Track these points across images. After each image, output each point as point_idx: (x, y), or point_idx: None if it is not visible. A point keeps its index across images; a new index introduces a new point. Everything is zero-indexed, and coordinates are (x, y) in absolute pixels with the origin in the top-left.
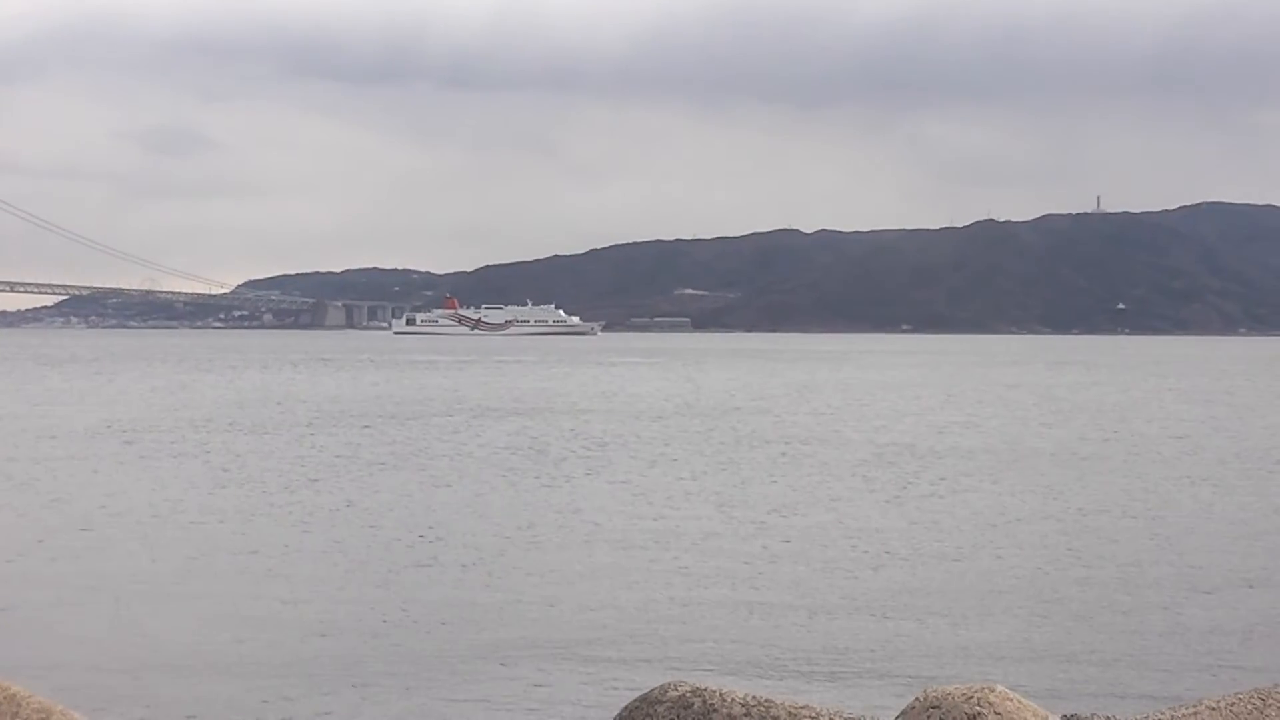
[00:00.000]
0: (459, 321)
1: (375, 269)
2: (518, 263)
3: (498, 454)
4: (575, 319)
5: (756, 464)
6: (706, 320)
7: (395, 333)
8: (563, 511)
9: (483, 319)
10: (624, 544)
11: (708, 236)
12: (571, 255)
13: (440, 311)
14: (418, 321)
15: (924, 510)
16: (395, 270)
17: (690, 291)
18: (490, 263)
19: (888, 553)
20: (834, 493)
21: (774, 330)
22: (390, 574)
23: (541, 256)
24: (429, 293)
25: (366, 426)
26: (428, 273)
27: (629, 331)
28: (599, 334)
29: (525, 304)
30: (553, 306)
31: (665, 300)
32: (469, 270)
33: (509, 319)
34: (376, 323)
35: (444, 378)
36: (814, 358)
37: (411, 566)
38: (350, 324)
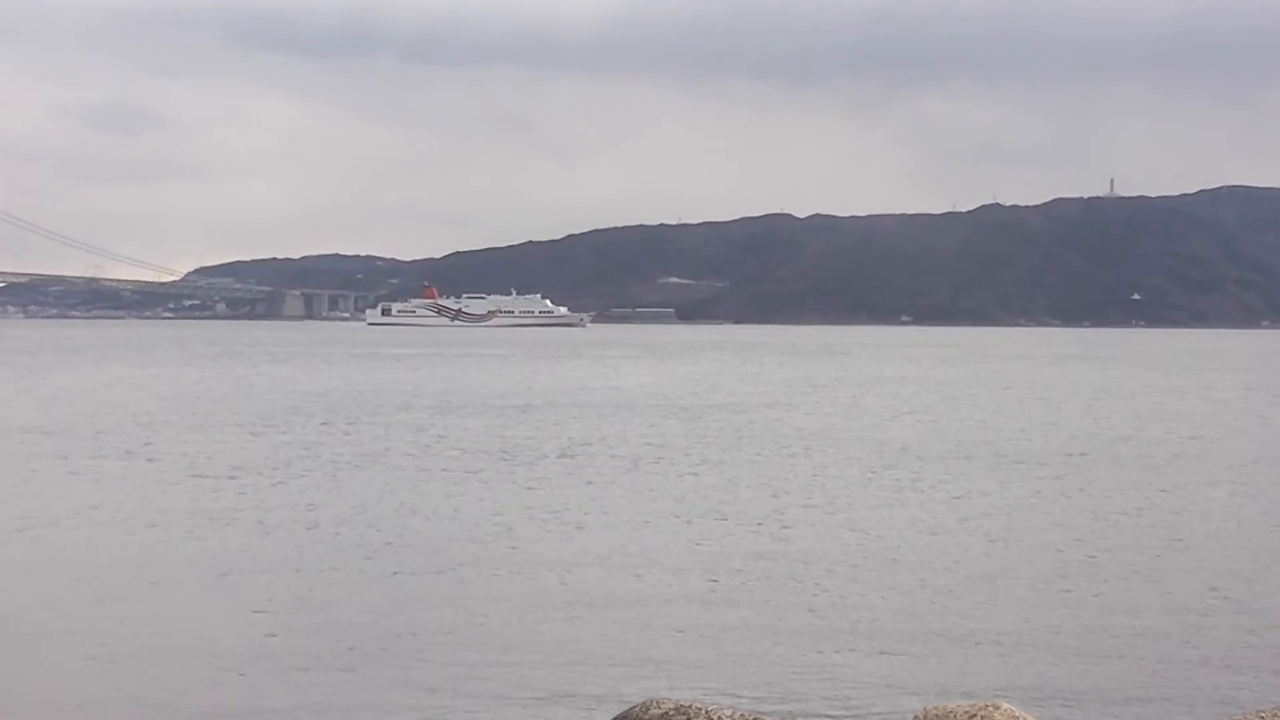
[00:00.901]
0: (438, 312)
1: (336, 255)
2: (490, 249)
3: (468, 454)
4: (563, 310)
5: (746, 465)
6: (692, 311)
7: (369, 324)
8: (539, 517)
9: (464, 309)
10: (604, 554)
11: (694, 221)
12: (548, 241)
13: (418, 301)
14: (394, 312)
15: (926, 516)
16: (358, 257)
17: (675, 280)
18: (461, 249)
19: (892, 560)
20: (830, 496)
21: (764, 322)
22: (350, 588)
23: (516, 242)
24: (394, 280)
25: (324, 423)
26: (393, 259)
27: (608, 323)
28: (588, 326)
29: (510, 293)
30: (539, 296)
31: (648, 289)
32: (437, 257)
33: (492, 309)
34: (338, 313)
35: (412, 372)
36: (806, 351)
37: (374, 578)
38: (309, 314)
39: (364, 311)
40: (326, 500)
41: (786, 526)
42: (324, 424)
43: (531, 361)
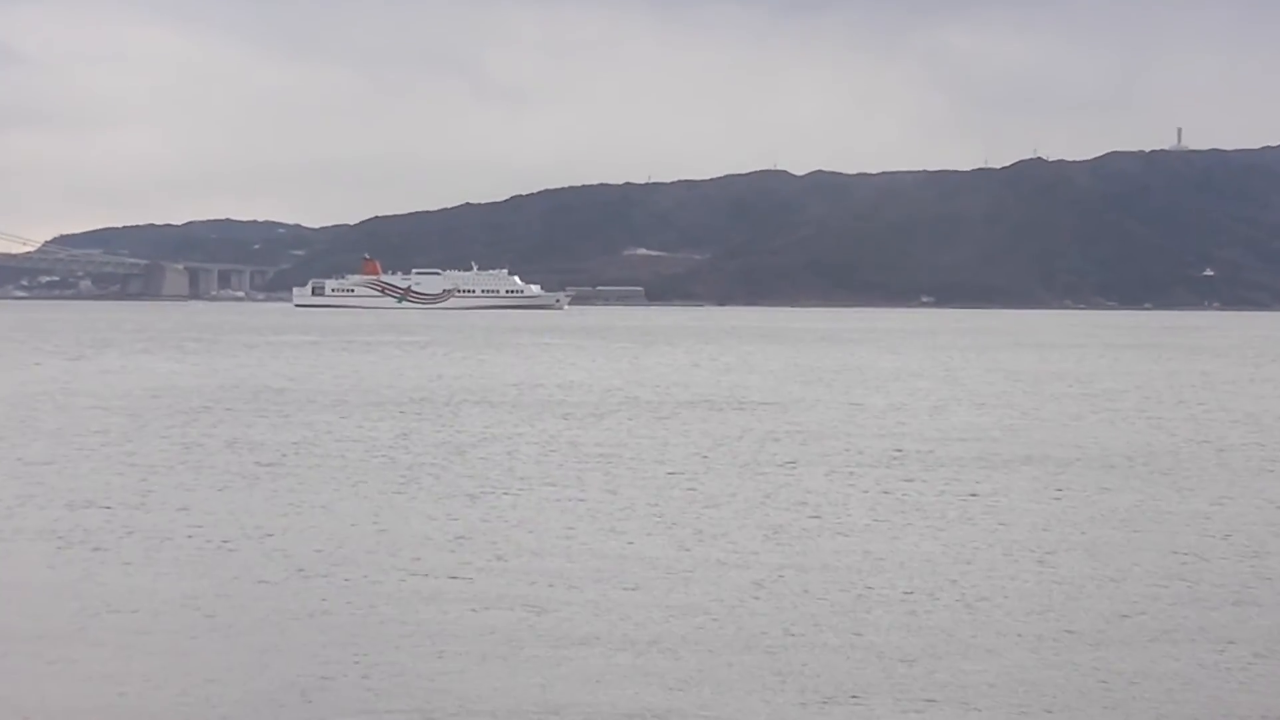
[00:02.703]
0: (382, 291)
1: (229, 221)
2: (417, 213)
3: (390, 458)
4: (535, 288)
5: (729, 476)
6: (665, 289)
7: (297, 305)
8: (473, 535)
9: (414, 288)
10: (554, 580)
11: (667, 180)
12: (488, 204)
13: (358, 278)
14: (328, 291)
15: (948, 539)
16: (255, 223)
17: (644, 252)
18: (381, 213)
19: (907, 593)
20: (829, 515)
21: (754, 303)
22: (236, 632)
23: (449, 205)
24: (299, 252)
25: (217, 424)
26: (297, 226)
27: None
28: (566, 308)
29: (471, 268)
30: (505, 272)
31: (611, 263)
32: (353, 223)
33: (449, 288)
34: (230, 291)
35: (326, 359)
36: (804, 340)
37: (265, 618)
38: (195, 293)
39: (257, 290)
40: (214, 520)
41: (786, 553)
42: (213, 425)
43: (456, 350)
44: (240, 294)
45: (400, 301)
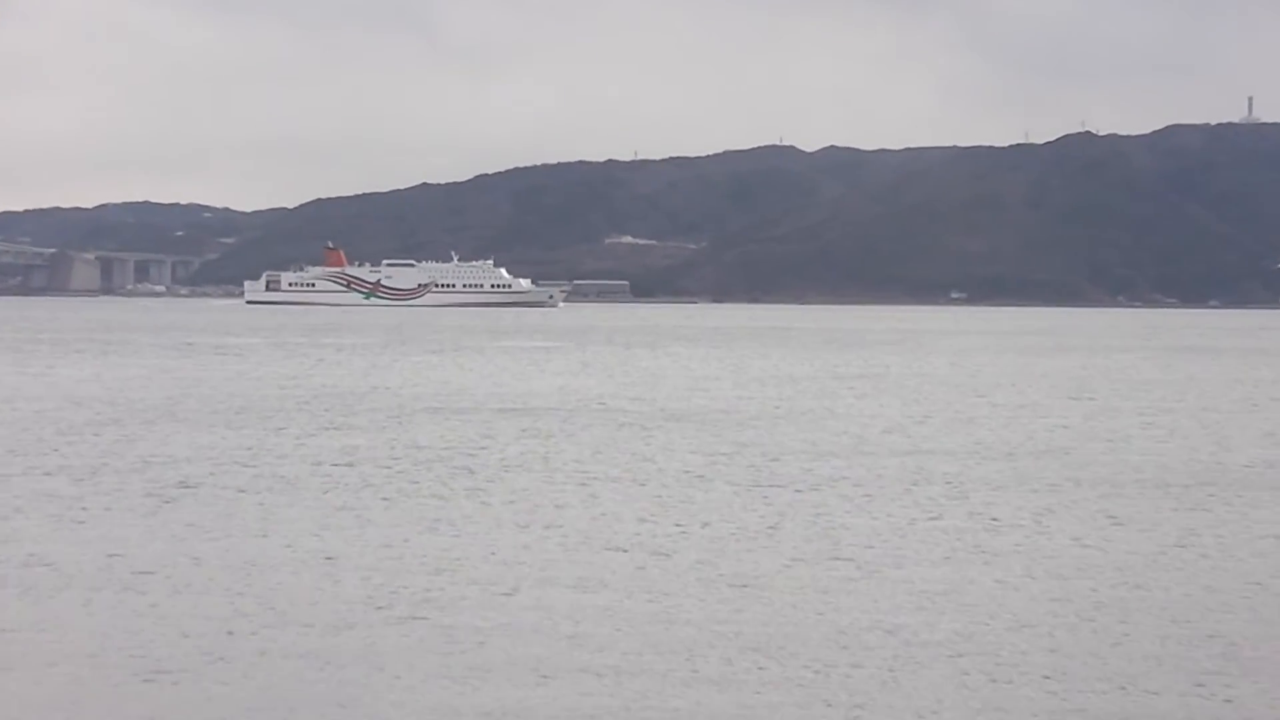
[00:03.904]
0: (348, 285)
1: (147, 204)
2: (366, 195)
3: (334, 475)
4: (525, 282)
5: (722, 496)
6: (653, 284)
7: (249, 301)
8: (430, 568)
9: (385, 282)
10: (515, 618)
11: (656, 157)
12: (447, 184)
13: (320, 270)
14: (284, 285)
15: (991, 578)
16: (177, 206)
17: (628, 240)
18: (324, 195)
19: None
20: (849, 548)
21: (756, 300)
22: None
23: (403, 186)
24: (229, 240)
25: (117, 438)
26: (227, 209)
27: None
28: (561, 305)
29: (451, 259)
30: (490, 263)
31: (590, 253)
32: (290, 206)
33: (425, 281)
34: (149, 284)
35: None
36: (815, 342)
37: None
38: (109, 286)
39: (180, 284)
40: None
41: (793, 589)
42: (119, 439)
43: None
44: (160, 288)
45: (368, 297)
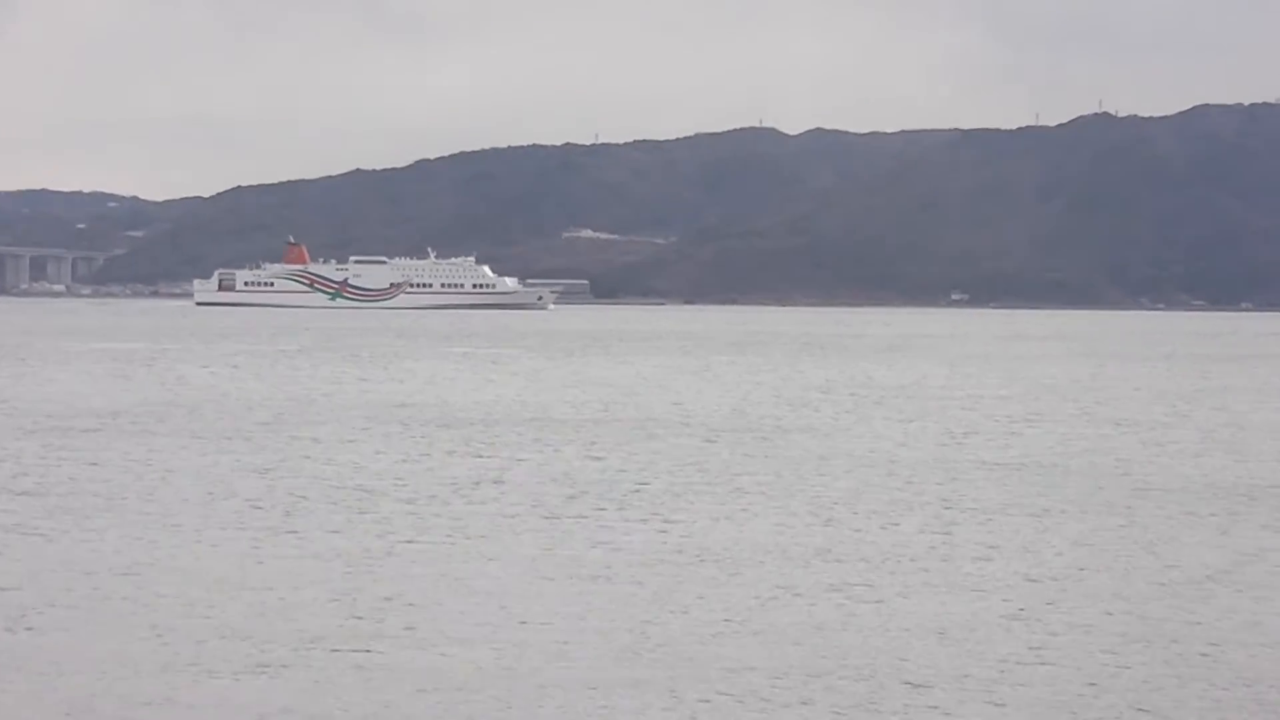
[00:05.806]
0: (311, 285)
1: (44, 192)
2: (292, 182)
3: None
4: (511, 281)
5: (704, 510)
6: (616, 283)
7: (199, 302)
8: (381, 596)
9: (352, 281)
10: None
11: (619, 140)
12: (384, 170)
13: (279, 268)
14: (239, 284)
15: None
16: (79, 195)
17: (589, 234)
18: (245, 182)
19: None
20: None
21: (732, 301)
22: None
23: (333, 173)
24: (137, 233)
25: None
26: (135, 199)
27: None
28: (551, 307)
29: (429, 255)
30: (472, 260)
31: (545, 248)
32: (206, 195)
33: (398, 281)
34: (46, 283)
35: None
36: (797, 346)
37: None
38: (1, 286)
39: (82, 283)
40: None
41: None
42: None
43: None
44: (60, 287)
45: (334, 298)
